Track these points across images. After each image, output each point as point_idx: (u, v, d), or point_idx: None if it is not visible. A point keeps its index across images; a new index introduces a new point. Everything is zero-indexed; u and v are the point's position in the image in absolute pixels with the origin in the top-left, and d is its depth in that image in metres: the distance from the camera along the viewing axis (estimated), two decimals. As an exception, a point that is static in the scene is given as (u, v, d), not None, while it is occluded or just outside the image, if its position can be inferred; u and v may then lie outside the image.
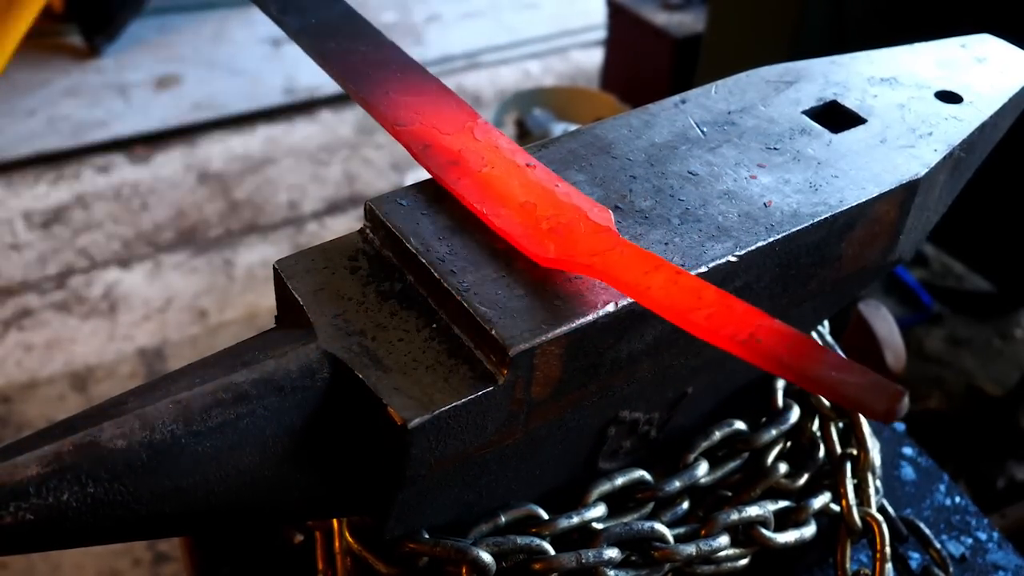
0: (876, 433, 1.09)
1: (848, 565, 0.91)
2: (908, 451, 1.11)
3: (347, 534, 0.79)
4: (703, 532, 0.85)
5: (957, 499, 1.06)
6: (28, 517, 0.55)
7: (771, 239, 0.74)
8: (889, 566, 0.90)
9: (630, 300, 0.68)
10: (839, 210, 0.77)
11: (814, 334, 0.97)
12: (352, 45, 0.84)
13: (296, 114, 3.37)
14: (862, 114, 0.86)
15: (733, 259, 0.72)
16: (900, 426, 1.15)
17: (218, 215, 2.97)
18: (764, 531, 0.87)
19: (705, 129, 0.84)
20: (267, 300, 2.72)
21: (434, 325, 0.68)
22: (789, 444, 0.95)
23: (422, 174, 0.76)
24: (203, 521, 0.65)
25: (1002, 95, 0.90)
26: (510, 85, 3.52)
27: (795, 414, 0.94)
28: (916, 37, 0.97)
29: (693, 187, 0.78)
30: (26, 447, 0.58)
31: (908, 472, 1.09)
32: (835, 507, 0.92)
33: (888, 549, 0.90)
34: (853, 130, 0.85)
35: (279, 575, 0.94)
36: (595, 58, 3.58)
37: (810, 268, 0.79)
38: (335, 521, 0.82)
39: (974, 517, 1.05)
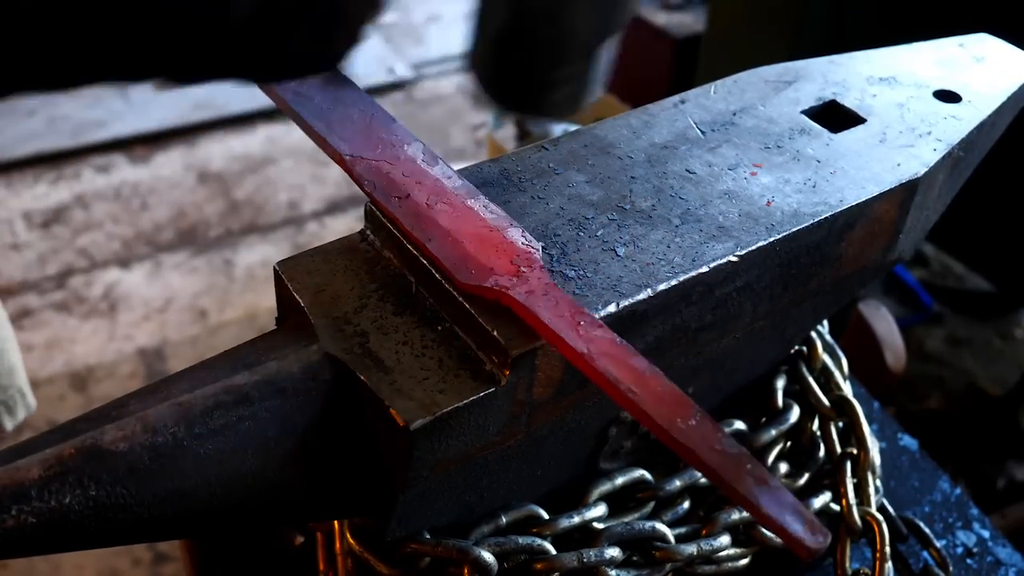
0: (876, 432, 1.10)
1: (848, 565, 0.91)
2: (908, 450, 1.12)
3: (348, 535, 0.79)
4: (704, 532, 0.85)
5: (957, 498, 1.07)
6: (30, 520, 0.55)
7: (772, 239, 0.74)
8: (889, 566, 0.90)
9: (631, 300, 0.68)
10: (839, 209, 0.77)
11: (814, 334, 0.98)
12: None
13: (296, 114, 3.37)
14: (861, 114, 0.87)
15: (734, 259, 0.72)
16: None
17: (218, 215, 2.97)
18: (765, 531, 0.87)
19: (705, 129, 0.84)
20: (267, 300, 2.72)
21: (436, 326, 0.68)
22: (789, 444, 0.95)
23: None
24: (205, 523, 0.65)
25: (1000, 94, 0.90)
26: (510, 85, 3.51)
27: (795, 414, 0.94)
28: (915, 36, 0.97)
29: (693, 187, 0.78)
30: (27, 450, 0.58)
31: (908, 471, 1.09)
32: (835, 507, 0.93)
33: (888, 549, 0.90)
34: (852, 130, 0.85)
35: (280, 576, 0.94)
36: (594, 57, 3.58)
37: (810, 267, 0.80)
38: (336, 522, 0.82)
39: (975, 516, 1.05)
